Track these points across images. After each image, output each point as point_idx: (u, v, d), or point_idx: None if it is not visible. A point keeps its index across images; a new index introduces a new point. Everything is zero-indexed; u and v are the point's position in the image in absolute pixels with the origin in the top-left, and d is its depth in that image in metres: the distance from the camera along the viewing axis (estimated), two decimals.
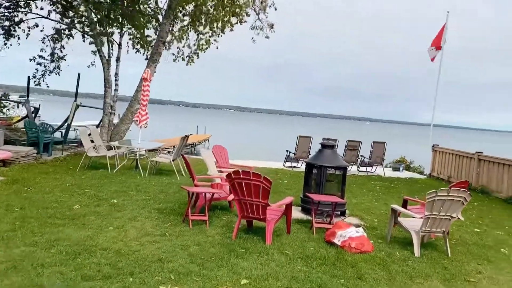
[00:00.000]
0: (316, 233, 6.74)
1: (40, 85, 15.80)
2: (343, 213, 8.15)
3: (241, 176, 5.73)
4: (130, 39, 16.38)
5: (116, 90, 14.98)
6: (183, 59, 15.56)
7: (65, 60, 15.81)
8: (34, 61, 15.55)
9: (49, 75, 15.68)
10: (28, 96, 16.53)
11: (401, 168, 17.21)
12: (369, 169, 16.04)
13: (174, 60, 15.43)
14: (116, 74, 15.08)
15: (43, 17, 14.82)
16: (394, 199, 10.76)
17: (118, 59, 15.24)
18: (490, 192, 12.82)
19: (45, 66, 15.64)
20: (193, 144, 27.14)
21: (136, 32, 16.78)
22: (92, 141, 11.88)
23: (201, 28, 15.85)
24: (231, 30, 16.41)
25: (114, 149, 11.71)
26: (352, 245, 5.81)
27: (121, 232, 6.06)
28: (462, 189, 5.96)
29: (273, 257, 5.48)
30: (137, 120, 11.74)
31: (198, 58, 15.72)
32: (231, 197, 6.25)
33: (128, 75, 14.30)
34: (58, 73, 15.75)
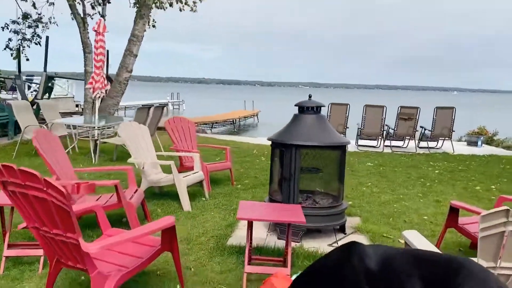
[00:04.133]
0: (254, 283, 3.30)
1: (19, 59, 13.40)
2: (342, 228, 4.57)
3: (8, 178, 2.43)
4: None
5: None
6: (170, 5, 12.26)
7: (43, 25, 13.07)
8: (7, 28, 13.13)
9: (29, 46, 13.11)
10: (19, 71, 14.38)
11: (479, 142, 12.74)
12: (432, 144, 11.89)
13: (158, 7, 12.18)
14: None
15: None
16: (455, 193, 6.84)
17: (103, 17, 12.39)
18: None
19: (22, 34, 13.06)
20: (234, 120, 24.07)
21: None
22: (43, 119, 9.21)
23: None
24: None
25: (72, 128, 8.95)
26: None
27: None
28: None
29: None
30: (90, 88, 8.80)
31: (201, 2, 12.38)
32: (23, 224, 3.00)
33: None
34: (39, 43, 13.12)
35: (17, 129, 10.96)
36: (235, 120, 24.20)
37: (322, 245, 4.14)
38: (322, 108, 4.52)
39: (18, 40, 13.13)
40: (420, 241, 2.67)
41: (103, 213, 3.30)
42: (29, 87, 17.91)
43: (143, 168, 5.20)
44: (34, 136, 4.06)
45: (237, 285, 3.29)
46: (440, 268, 1.84)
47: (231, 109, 30.35)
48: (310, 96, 4.57)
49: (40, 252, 3.48)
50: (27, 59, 13.50)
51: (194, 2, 12.29)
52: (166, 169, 5.73)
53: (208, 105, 49.76)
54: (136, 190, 4.56)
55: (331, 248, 4.02)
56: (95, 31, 8.52)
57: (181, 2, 12.32)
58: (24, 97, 14.22)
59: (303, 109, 4.47)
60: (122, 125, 5.59)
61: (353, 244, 2.29)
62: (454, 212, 3.93)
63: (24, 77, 17.20)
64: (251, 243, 3.41)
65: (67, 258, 2.67)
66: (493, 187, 7.33)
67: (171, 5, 12.36)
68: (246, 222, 4.51)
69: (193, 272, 3.48)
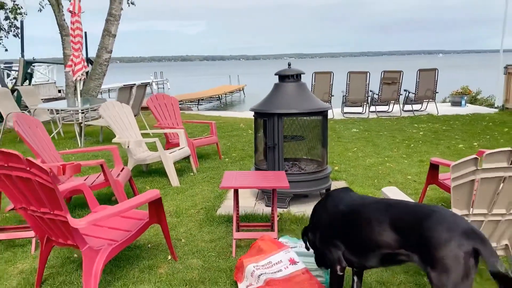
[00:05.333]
0: (243, 248, 3.40)
1: None
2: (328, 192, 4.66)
3: None
4: None
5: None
6: None
7: (21, 15, 12.81)
8: None
9: (6, 37, 12.88)
10: None
11: (463, 102, 12.90)
12: (416, 107, 12.01)
13: None
14: None
15: None
16: (438, 152, 6.98)
17: None
18: None
19: None
20: (220, 96, 23.97)
21: None
22: (25, 106, 9.12)
23: None
24: None
25: (55, 112, 8.89)
26: None
27: None
28: None
29: None
30: (69, 71, 8.70)
31: None
32: (10, 206, 3.06)
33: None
34: (17, 34, 12.87)
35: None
36: (221, 96, 24.09)
37: (308, 209, 4.20)
38: (302, 75, 4.55)
39: None
40: (397, 196, 2.77)
41: (89, 191, 3.35)
42: (8, 75, 17.62)
43: (128, 147, 5.23)
44: (15, 121, 4.05)
45: (227, 252, 3.38)
46: (410, 213, 1.97)
47: (217, 85, 30.12)
48: (289, 64, 4.60)
49: (31, 234, 3.53)
50: (6, 50, 13.28)
51: None
52: (153, 147, 5.78)
53: (193, 82, 49.39)
54: (123, 169, 4.59)
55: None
56: (70, 12, 8.36)
57: None
58: (3, 85, 14.01)
59: (283, 77, 4.50)
60: (103, 105, 5.58)
61: (333, 191, 2.50)
62: (434, 169, 4.05)
63: (2, 65, 16.90)
64: (238, 211, 3.50)
65: (57, 235, 2.73)
66: (475, 144, 7.49)
67: None
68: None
69: (183, 243, 3.56)
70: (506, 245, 2.61)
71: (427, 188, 4.33)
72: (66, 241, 2.72)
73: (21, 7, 12.96)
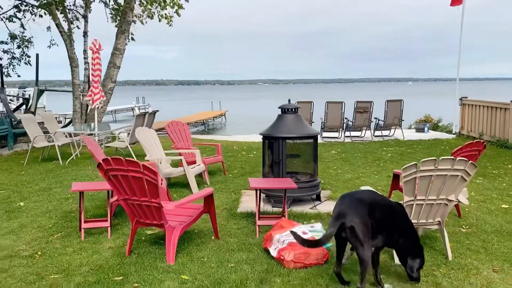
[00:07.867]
0: (262, 233, 4.80)
1: (9, 76, 14.38)
2: (318, 197, 6.13)
3: (114, 166, 3.82)
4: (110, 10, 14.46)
5: (86, 69, 13.30)
6: (150, 17, 13.40)
7: (31, 44, 14.14)
8: None
9: (19, 64, 14.17)
10: (2, 85, 15.22)
11: (426, 129, 14.73)
12: (385, 132, 13.74)
13: (135, 22, 13.41)
14: (84, 51, 13.37)
15: None
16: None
17: (85, 34, 13.49)
18: None
19: (12, 54, 14.11)
20: (204, 121, 25.39)
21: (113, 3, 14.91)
22: (45, 130, 10.32)
23: None
24: None
25: (69, 136, 10.11)
26: (288, 257, 3.81)
27: None
28: (459, 158, 3.78)
29: None
30: (89, 100, 10.01)
31: (179, 16, 13.45)
32: (114, 198, 4.40)
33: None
34: (29, 62, 14.16)
35: (15, 140, 11.98)
36: (205, 120, 25.52)
37: (305, 209, 5.69)
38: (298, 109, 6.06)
39: (8, 59, 14.13)
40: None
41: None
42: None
43: (160, 163, 6.58)
44: (86, 143, 5.39)
45: (252, 234, 4.78)
46: (344, 203, 3.47)
47: (196, 110, 31.59)
48: (289, 100, 6.11)
49: (106, 224, 4.85)
50: (18, 76, 14.52)
51: (171, 17, 13.51)
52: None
53: (173, 107, 50.51)
54: (162, 179, 5.94)
55: (312, 211, 5.61)
56: (91, 50, 9.72)
57: (162, 17, 13.52)
58: (8, 109, 15.11)
59: (285, 110, 6.00)
60: (137, 130, 6.95)
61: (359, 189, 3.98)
62: (396, 178, 5.57)
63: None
64: (260, 205, 4.91)
65: (147, 217, 4.08)
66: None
67: (151, 17, 13.53)
68: (248, 197, 6.05)
69: (219, 230, 4.93)
70: (439, 221, 4.11)
71: (391, 194, 5.86)
72: (153, 221, 4.08)
73: (30, 37, 14.28)
